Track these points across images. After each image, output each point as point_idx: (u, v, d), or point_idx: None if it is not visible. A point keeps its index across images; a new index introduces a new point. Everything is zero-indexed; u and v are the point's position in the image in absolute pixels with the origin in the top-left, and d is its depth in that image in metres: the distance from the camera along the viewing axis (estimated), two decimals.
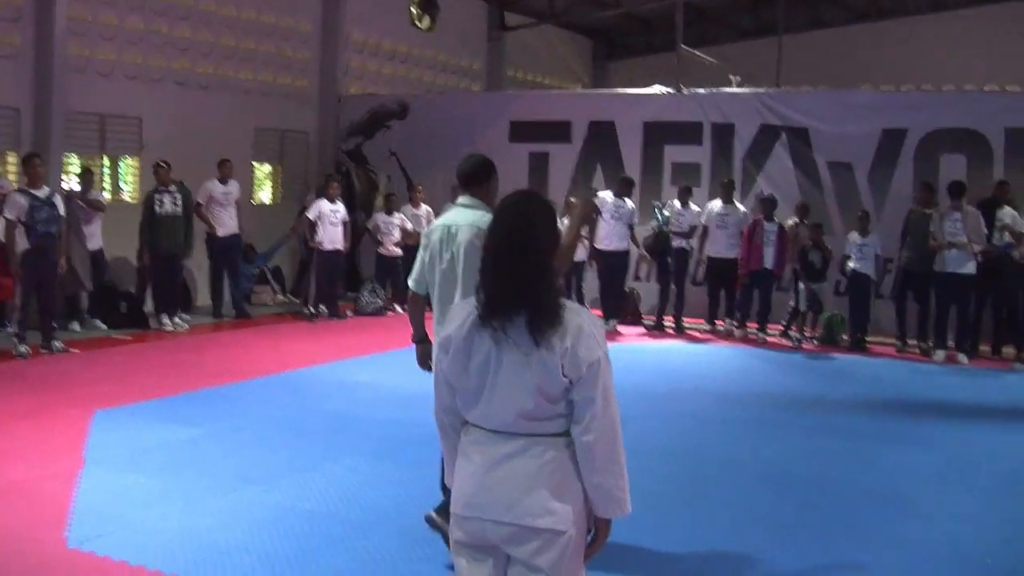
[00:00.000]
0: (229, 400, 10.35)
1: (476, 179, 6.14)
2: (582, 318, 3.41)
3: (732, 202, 16.03)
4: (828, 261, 15.31)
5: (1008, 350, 14.58)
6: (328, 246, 16.15)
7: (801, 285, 15.34)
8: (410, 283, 6.38)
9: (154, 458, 8.09)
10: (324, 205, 16.18)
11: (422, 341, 6.36)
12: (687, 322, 16.45)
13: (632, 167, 17.52)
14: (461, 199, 6.13)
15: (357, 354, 13.23)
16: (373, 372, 12.07)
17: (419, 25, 21.44)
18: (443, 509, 6.08)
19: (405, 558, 6.16)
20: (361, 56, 20.75)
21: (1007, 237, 14.02)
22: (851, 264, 15.05)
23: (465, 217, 5.97)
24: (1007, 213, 14.19)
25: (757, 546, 6.62)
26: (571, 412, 3.42)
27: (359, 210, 18.77)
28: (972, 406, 11.63)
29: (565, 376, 3.35)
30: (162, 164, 14.51)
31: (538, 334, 3.33)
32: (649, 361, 13.71)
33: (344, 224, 16.42)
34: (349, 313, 16.71)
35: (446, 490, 6.32)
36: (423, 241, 6.26)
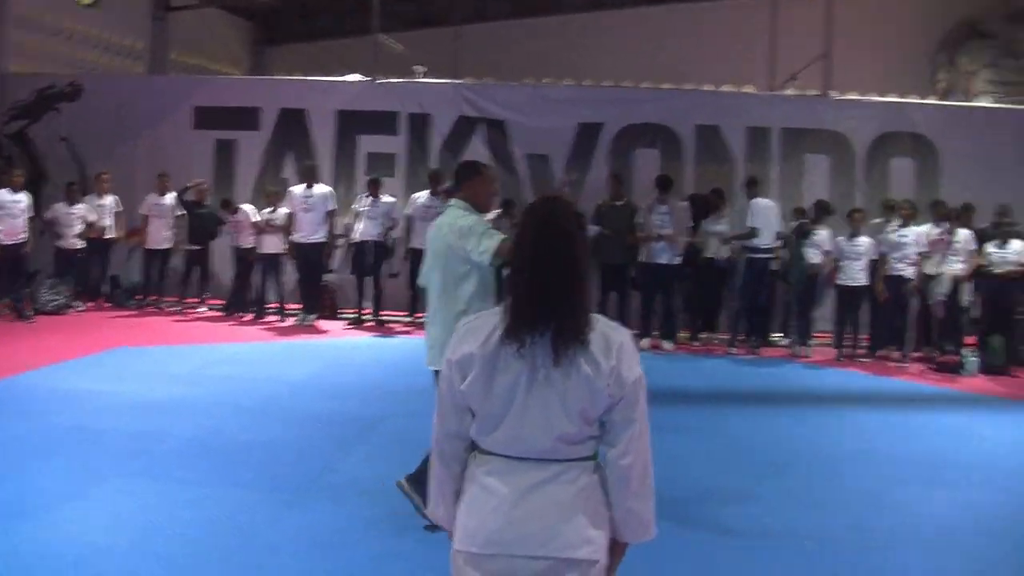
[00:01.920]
0: None
1: (458, 181, 6.59)
2: (622, 335, 3.20)
3: (439, 193, 15.83)
4: None
5: (704, 336, 15.54)
6: (7, 239, 14.74)
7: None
8: (419, 281, 6.81)
9: None
10: (3, 195, 14.78)
11: None
12: (389, 315, 16.16)
13: (324, 156, 17.12)
14: (452, 199, 6.52)
15: (62, 358, 12.08)
16: (91, 378, 11.05)
17: (81, 0, 20.04)
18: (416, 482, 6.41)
19: None
20: (23, 31, 19.07)
21: (724, 251, 14.74)
22: None
23: (448, 217, 6.39)
24: (724, 222, 15.04)
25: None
26: (601, 434, 3.17)
27: None
28: (705, 390, 12.14)
29: (610, 396, 3.09)
30: None
31: (562, 349, 3.05)
32: (373, 356, 13.45)
33: (24, 214, 15.03)
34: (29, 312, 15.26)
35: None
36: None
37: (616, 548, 3.28)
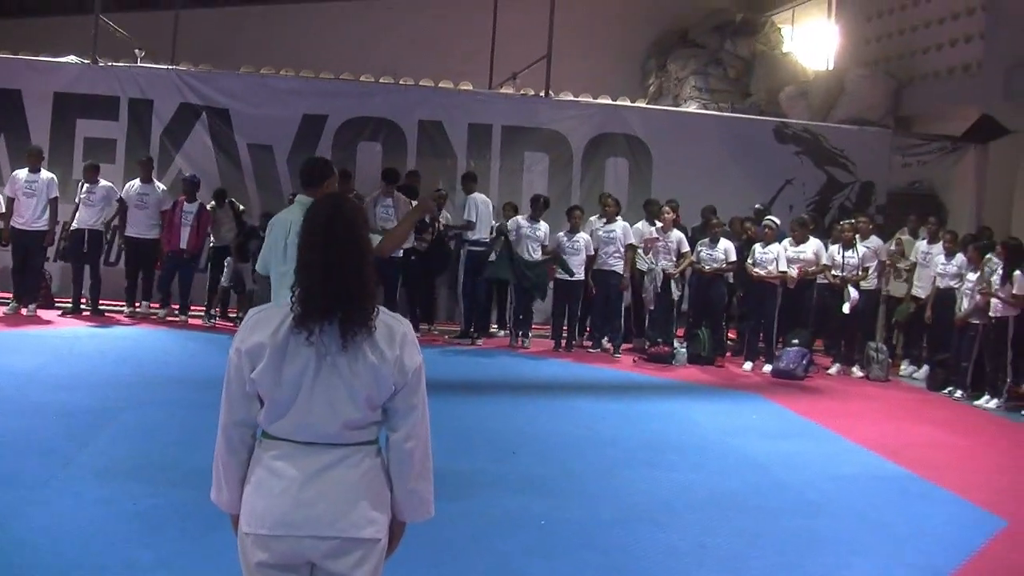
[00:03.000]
0: None
1: (311, 179, 6.67)
2: (404, 325, 3.42)
3: (151, 181, 15.62)
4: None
5: (423, 327, 15.79)
6: None
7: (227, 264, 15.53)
8: (258, 267, 6.96)
9: None
10: None
11: None
12: (106, 304, 15.78)
13: (40, 139, 16.31)
14: (300, 196, 6.79)
15: None
16: None
17: None
18: None
19: None
20: None
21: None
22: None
23: (297, 214, 6.28)
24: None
25: None
26: (384, 419, 3.39)
27: None
28: (430, 380, 12.15)
29: (394, 384, 3.30)
30: None
31: (350, 336, 3.24)
32: (97, 346, 13.16)
33: None
34: None
35: None
36: (268, 230, 6.85)
37: (395, 528, 3.49)
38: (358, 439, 3.34)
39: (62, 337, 13.61)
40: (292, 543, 3.27)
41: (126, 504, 6.80)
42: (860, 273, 14.79)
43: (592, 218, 15.76)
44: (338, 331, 3.23)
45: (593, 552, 6.56)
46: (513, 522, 7.03)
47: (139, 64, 17.49)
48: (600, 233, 15.23)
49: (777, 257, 14.68)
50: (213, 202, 15.70)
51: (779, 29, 25.81)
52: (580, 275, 15.10)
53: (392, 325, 3.35)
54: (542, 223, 15.25)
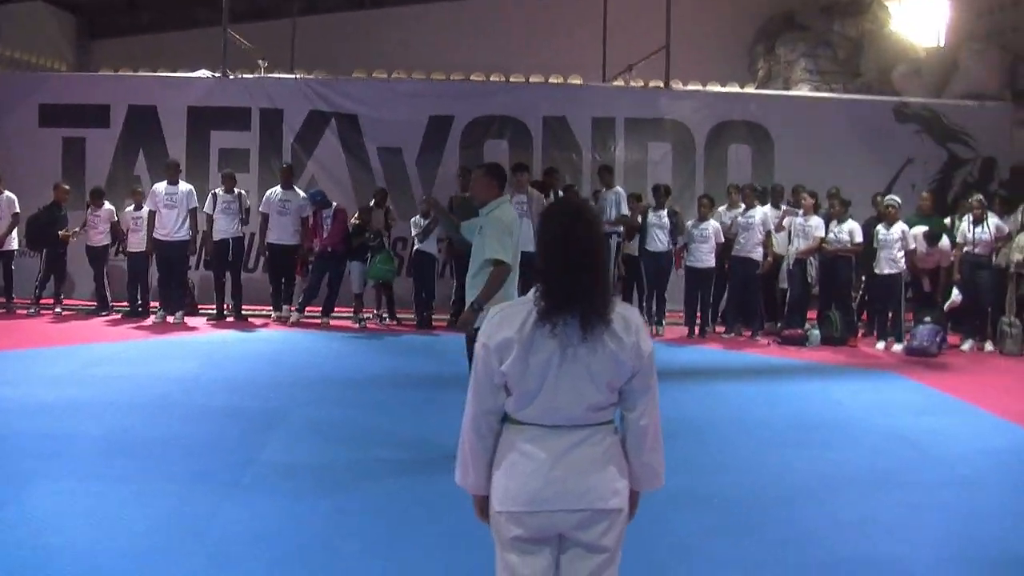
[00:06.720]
0: None
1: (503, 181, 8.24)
2: (637, 315, 3.68)
3: (292, 187, 16.03)
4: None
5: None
6: None
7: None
8: (506, 258, 7.48)
9: None
10: None
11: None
12: (249, 309, 16.34)
13: (177, 152, 17.04)
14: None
15: None
16: None
17: None
18: None
19: None
20: None
21: None
22: (417, 245, 15.56)
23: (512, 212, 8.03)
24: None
25: None
26: (620, 400, 3.66)
27: None
28: None
29: (632, 368, 3.57)
30: None
31: (589, 328, 3.51)
32: (247, 350, 13.65)
33: None
34: None
35: None
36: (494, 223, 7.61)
37: (632, 497, 3.77)
38: (599, 419, 3.62)
39: (212, 343, 14.12)
40: (545, 517, 3.58)
41: (320, 499, 7.09)
42: (996, 246, 14.91)
43: (720, 208, 15.93)
44: (579, 324, 3.52)
45: (766, 529, 6.72)
46: (684, 503, 7.11)
47: (268, 75, 17.96)
48: (739, 220, 15.41)
49: (903, 236, 14.70)
50: (372, 202, 16.04)
51: (886, 7, 25.59)
52: (711, 262, 15.27)
53: (627, 315, 3.62)
54: (665, 211, 15.44)
